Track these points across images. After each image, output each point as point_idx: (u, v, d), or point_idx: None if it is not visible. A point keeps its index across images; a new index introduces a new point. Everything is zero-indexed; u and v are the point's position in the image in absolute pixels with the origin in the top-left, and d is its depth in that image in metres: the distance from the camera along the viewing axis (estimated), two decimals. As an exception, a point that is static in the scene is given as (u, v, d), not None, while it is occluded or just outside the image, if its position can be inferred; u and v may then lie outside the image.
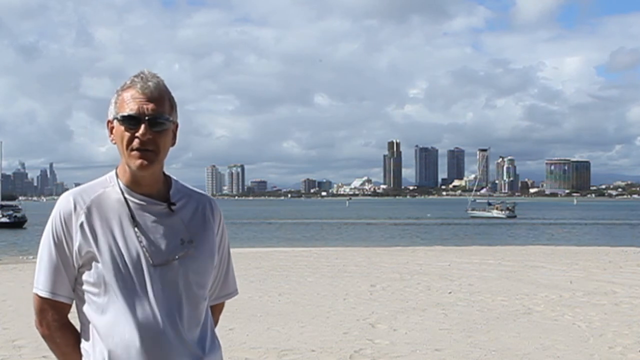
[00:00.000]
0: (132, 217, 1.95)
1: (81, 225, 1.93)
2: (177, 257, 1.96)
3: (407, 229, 52.03)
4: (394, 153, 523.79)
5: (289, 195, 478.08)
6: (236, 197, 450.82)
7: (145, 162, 1.92)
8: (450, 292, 11.83)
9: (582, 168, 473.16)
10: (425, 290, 12.14)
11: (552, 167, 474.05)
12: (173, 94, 2.03)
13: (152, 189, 2.00)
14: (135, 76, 1.97)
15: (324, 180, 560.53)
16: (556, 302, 10.73)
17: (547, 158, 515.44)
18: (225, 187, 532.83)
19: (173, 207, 2.01)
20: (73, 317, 2.01)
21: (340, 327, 8.51)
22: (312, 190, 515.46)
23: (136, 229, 1.94)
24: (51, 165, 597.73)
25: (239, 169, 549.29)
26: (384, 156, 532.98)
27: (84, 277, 1.95)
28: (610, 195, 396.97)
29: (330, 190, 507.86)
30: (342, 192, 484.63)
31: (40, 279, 1.98)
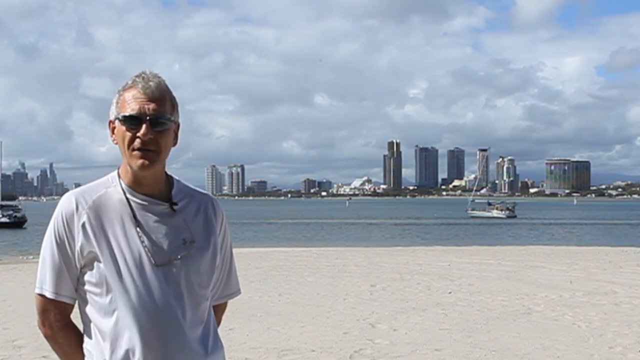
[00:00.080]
0: (134, 217, 1.96)
1: (83, 225, 1.94)
2: (179, 257, 1.96)
3: (407, 229, 52.02)
4: (394, 153, 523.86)
5: (289, 195, 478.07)
6: (236, 197, 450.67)
7: (147, 162, 1.92)
8: (450, 292, 11.83)
9: (582, 168, 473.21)
10: (425, 290, 12.14)
11: (552, 167, 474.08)
12: (174, 94, 2.03)
13: (154, 189, 2.00)
14: (137, 76, 1.98)
15: (324, 180, 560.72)
16: (556, 302, 10.73)
17: (547, 158, 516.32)
18: (225, 187, 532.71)
19: (175, 207, 2.01)
20: (75, 317, 2.02)
21: (340, 327, 8.52)
22: (312, 190, 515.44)
23: (138, 229, 1.95)
24: (51, 165, 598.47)
25: (239, 169, 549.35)
26: (384, 156, 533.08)
27: (86, 277, 1.95)
28: (610, 195, 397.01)
29: (330, 190, 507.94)
30: (342, 192, 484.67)
31: (42, 279, 1.99)
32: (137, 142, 1.92)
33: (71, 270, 1.97)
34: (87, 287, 1.96)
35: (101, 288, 1.93)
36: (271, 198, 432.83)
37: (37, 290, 1.99)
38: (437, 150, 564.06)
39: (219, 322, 2.20)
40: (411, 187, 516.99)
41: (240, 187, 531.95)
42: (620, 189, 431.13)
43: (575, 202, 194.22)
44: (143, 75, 1.97)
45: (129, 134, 1.93)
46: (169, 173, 2.07)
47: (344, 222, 65.76)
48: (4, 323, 8.88)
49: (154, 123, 1.93)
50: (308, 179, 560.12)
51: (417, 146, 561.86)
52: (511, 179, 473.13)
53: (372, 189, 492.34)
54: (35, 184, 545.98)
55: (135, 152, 1.93)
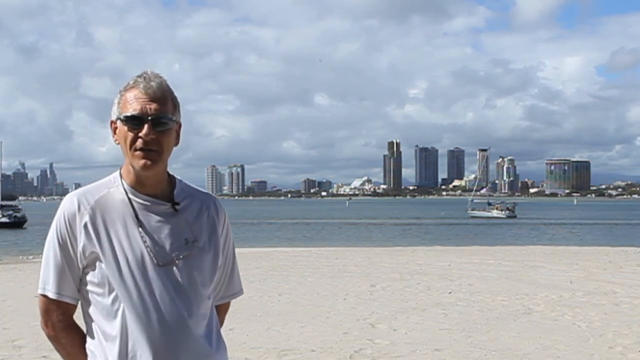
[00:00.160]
0: (136, 217, 1.96)
1: (85, 225, 1.94)
2: (181, 257, 1.97)
3: (407, 229, 52.02)
4: (394, 153, 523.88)
5: (289, 195, 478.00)
6: (236, 197, 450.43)
7: (149, 162, 1.93)
8: (450, 292, 11.83)
9: (582, 168, 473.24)
10: (425, 290, 12.15)
11: (552, 167, 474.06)
12: (175, 94, 2.03)
13: (156, 189, 2.00)
14: (138, 76, 1.98)
15: (324, 180, 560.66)
16: (556, 302, 10.73)
17: (547, 158, 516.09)
18: (225, 187, 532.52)
19: (177, 207, 2.01)
20: (78, 317, 2.02)
21: (340, 327, 8.52)
22: (312, 190, 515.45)
23: (140, 229, 1.95)
24: (51, 165, 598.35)
25: (239, 169, 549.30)
26: (384, 156, 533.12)
27: (89, 277, 1.96)
28: (610, 195, 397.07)
29: (330, 190, 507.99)
30: (342, 192, 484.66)
31: (45, 279, 1.99)
32: (139, 142, 1.92)
33: (73, 271, 1.97)
34: (89, 287, 1.96)
35: (103, 288, 1.93)
36: (271, 198, 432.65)
37: (40, 291, 2.00)
38: (437, 150, 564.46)
39: (222, 322, 2.20)
40: (411, 187, 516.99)
41: (240, 187, 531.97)
42: (620, 189, 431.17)
43: (575, 202, 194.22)
44: (144, 75, 1.98)
45: (131, 134, 1.93)
46: (171, 173, 2.07)
47: (344, 222, 65.76)
48: (4, 323, 8.88)
49: (156, 123, 1.93)
50: (308, 179, 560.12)
51: (417, 146, 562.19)
52: (511, 179, 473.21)
53: (372, 189, 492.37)
54: (35, 184, 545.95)
55: (138, 152, 1.93)
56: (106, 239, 1.93)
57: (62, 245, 1.96)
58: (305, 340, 7.72)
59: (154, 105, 1.94)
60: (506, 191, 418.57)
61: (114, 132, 2.00)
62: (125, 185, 1.99)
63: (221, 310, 2.22)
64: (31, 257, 23.53)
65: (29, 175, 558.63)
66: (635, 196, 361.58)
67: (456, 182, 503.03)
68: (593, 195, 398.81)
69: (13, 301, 10.97)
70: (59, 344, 2.02)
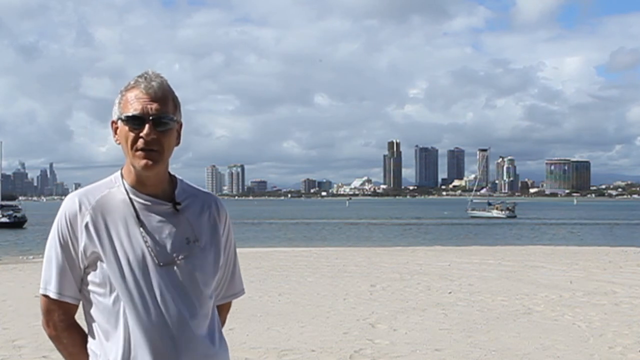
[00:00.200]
0: (137, 218, 1.96)
1: (86, 225, 1.94)
2: (182, 256, 1.97)
3: (408, 229, 52.02)
4: (394, 153, 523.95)
5: (289, 195, 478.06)
6: (236, 197, 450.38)
7: (150, 162, 1.93)
8: (450, 292, 11.83)
9: (582, 168, 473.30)
10: (425, 290, 12.15)
11: (552, 167, 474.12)
12: (176, 94, 2.03)
13: (157, 189, 2.01)
14: (139, 76, 1.98)
15: (324, 180, 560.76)
16: (556, 302, 10.74)
17: (547, 158, 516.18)
18: (225, 187, 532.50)
19: (178, 207, 2.01)
20: (80, 317, 2.03)
21: (340, 327, 8.52)
22: (312, 190, 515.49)
23: (141, 229, 1.95)
24: (51, 165, 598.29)
25: (239, 169, 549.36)
26: (384, 156, 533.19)
27: (90, 277, 1.96)
28: (610, 195, 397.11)
29: (330, 190, 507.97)
30: (342, 192, 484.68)
31: (46, 280, 1.99)
32: (140, 142, 1.93)
33: (75, 271, 1.97)
34: (90, 287, 1.97)
35: (105, 288, 1.93)
36: (271, 198, 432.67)
37: (42, 291, 2.00)
38: (437, 150, 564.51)
39: (223, 322, 2.20)
40: (411, 187, 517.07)
41: (240, 187, 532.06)
42: (620, 189, 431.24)
43: (575, 202, 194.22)
44: (145, 75, 1.98)
45: (132, 134, 1.93)
46: (172, 173, 2.07)
47: (344, 222, 65.76)
48: (4, 323, 8.88)
49: (157, 123, 1.93)
50: (308, 179, 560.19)
51: (417, 146, 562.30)
52: (511, 179, 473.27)
53: (372, 189, 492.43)
54: (35, 184, 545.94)
55: (139, 152, 1.93)
56: (107, 239, 1.93)
57: (64, 246, 1.97)
58: (305, 340, 7.72)
59: (155, 105, 1.94)
60: (506, 191, 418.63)
61: (115, 132, 2.00)
62: (127, 185, 2.00)
63: (223, 309, 2.22)
64: (31, 257, 23.55)
65: (29, 175, 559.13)
66: (635, 196, 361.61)
67: (456, 182, 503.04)
68: (593, 195, 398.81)
69: (13, 301, 10.97)
70: (60, 344, 2.02)
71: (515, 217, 77.06)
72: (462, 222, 66.74)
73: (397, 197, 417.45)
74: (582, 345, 7.48)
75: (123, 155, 2.00)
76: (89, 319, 1.99)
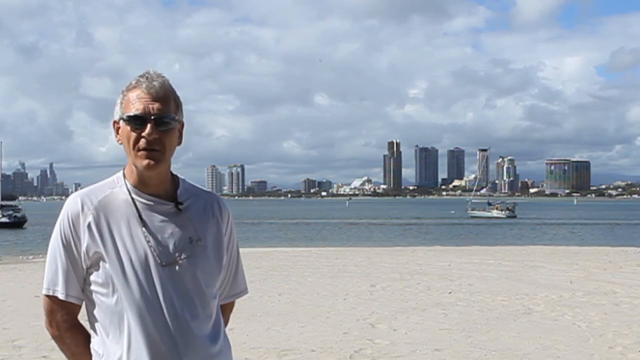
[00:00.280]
0: (140, 217, 1.96)
1: (89, 225, 1.94)
2: (185, 256, 1.97)
3: (408, 229, 52.02)
4: (394, 153, 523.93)
5: (289, 195, 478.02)
6: (236, 197, 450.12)
7: (152, 162, 1.93)
8: (450, 292, 11.84)
9: (582, 168, 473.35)
10: (425, 290, 12.15)
11: (552, 167, 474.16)
12: (177, 94, 2.04)
13: (160, 188, 2.01)
14: (141, 76, 1.99)
15: (324, 180, 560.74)
16: (556, 302, 10.74)
17: (547, 158, 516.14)
18: (225, 187, 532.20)
19: (180, 207, 2.01)
20: (82, 317, 2.03)
21: (340, 327, 8.52)
22: (312, 190, 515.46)
23: (144, 229, 1.95)
24: (51, 165, 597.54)
25: (239, 169, 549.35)
26: (384, 156, 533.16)
27: (92, 277, 1.96)
28: (610, 195, 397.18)
29: (330, 190, 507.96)
30: (342, 192, 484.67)
31: (49, 280, 1.99)
32: (142, 142, 1.93)
33: (78, 271, 1.98)
34: (93, 287, 1.97)
35: (107, 288, 1.93)
36: (271, 198, 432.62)
37: (44, 291, 2.00)
38: (437, 150, 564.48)
39: (226, 322, 2.20)
40: (411, 187, 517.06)
41: (240, 187, 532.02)
42: (620, 189, 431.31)
43: (575, 202, 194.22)
44: (147, 75, 1.98)
45: (133, 134, 1.94)
46: (174, 172, 2.08)
47: (344, 222, 65.76)
48: (4, 323, 8.88)
49: (159, 123, 1.94)
50: (308, 179, 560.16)
51: (417, 146, 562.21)
52: (511, 179, 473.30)
53: (372, 189, 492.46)
54: (35, 184, 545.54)
55: (141, 152, 1.93)
56: (110, 239, 1.93)
57: (66, 246, 1.97)
58: (305, 340, 7.72)
59: (156, 105, 1.94)
60: (506, 191, 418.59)
61: (117, 132, 2.00)
62: (129, 185, 2.00)
63: (226, 309, 2.22)
64: (31, 257, 23.55)
65: (29, 175, 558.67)
66: (635, 196, 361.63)
67: (456, 182, 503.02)
68: (593, 195, 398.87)
69: (13, 301, 10.98)
70: (63, 344, 2.02)
71: (515, 217, 77.06)
72: (462, 222, 66.73)
73: (397, 197, 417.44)
74: (582, 345, 7.48)
75: (123, 155, 2.00)
76: (92, 319, 1.99)
